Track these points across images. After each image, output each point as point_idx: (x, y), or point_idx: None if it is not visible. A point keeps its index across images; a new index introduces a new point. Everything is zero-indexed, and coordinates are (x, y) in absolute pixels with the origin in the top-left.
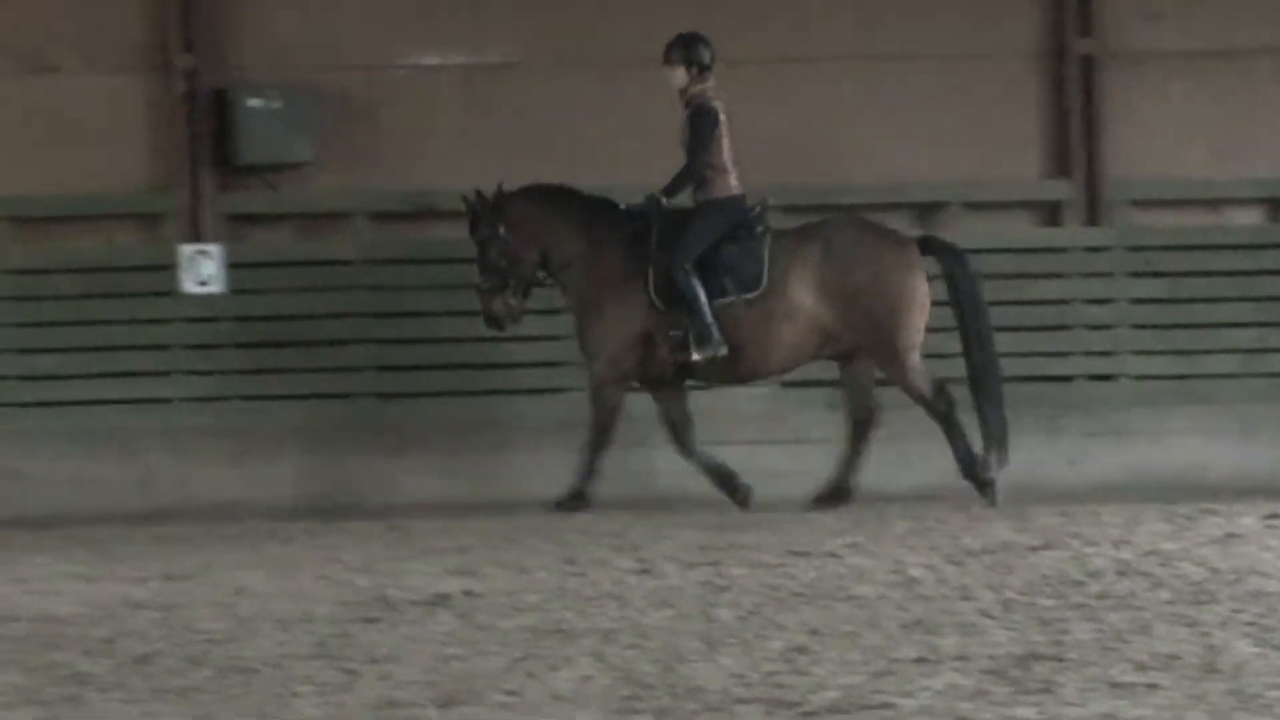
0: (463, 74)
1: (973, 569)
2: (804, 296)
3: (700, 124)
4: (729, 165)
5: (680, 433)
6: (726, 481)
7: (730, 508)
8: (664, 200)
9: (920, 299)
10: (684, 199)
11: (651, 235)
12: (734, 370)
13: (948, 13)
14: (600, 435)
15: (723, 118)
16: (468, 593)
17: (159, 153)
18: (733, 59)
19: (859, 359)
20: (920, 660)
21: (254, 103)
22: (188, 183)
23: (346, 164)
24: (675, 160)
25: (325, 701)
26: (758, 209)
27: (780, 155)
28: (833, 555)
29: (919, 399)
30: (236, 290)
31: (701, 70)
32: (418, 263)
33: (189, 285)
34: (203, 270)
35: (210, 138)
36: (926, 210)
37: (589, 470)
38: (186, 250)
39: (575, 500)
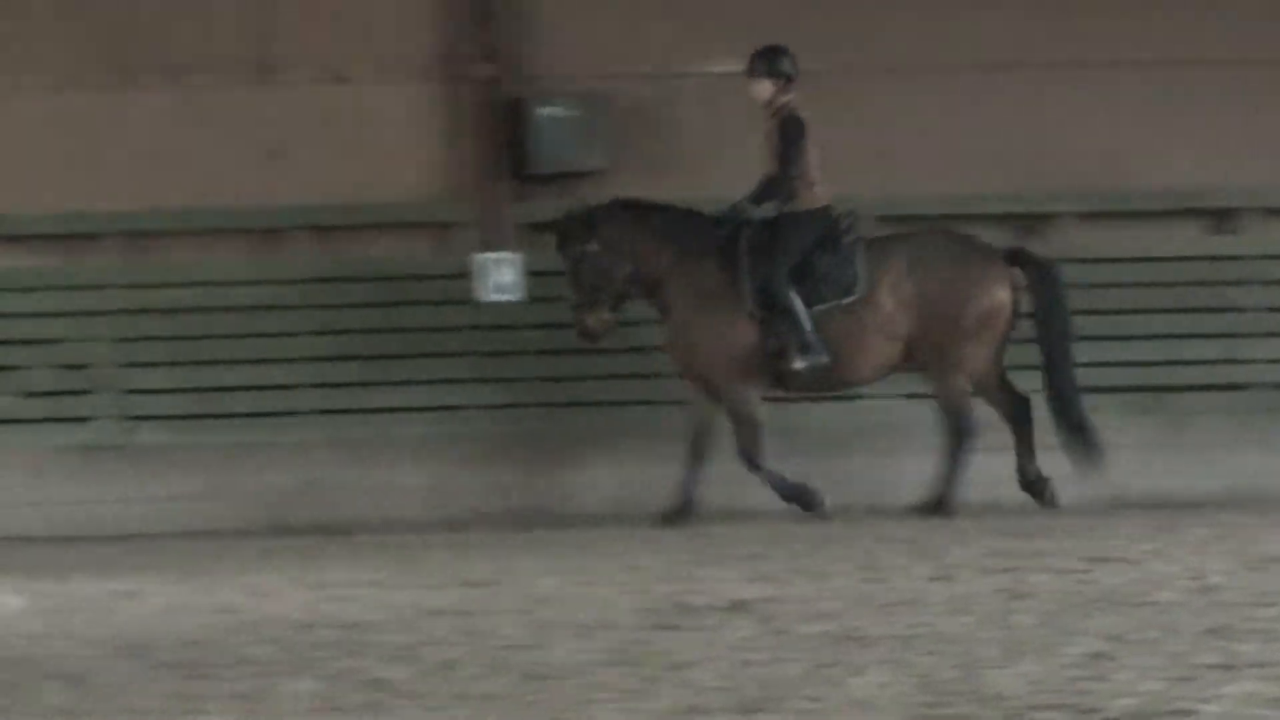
0: None
1: (1274, 575)
2: (892, 306)
3: (789, 134)
4: (816, 176)
5: (705, 443)
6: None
7: (1030, 513)
8: (750, 209)
9: (1003, 314)
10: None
11: (741, 244)
12: (826, 379)
13: (1239, 18)
14: (749, 445)
15: (809, 129)
16: (767, 599)
17: (455, 161)
18: (1039, 63)
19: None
20: (1221, 666)
21: (549, 111)
22: (483, 191)
23: (640, 172)
24: (973, 169)
25: (624, 708)
26: (848, 219)
27: (1075, 161)
28: (1131, 561)
29: (947, 416)
30: (534, 298)
31: (787, 81)
32: None
33: (486, 293)
34: (502, 278)
35: (506, 146)
36: (1220, 216)
37: (777, 480)
38: (484, 258)
39: (801, 500)
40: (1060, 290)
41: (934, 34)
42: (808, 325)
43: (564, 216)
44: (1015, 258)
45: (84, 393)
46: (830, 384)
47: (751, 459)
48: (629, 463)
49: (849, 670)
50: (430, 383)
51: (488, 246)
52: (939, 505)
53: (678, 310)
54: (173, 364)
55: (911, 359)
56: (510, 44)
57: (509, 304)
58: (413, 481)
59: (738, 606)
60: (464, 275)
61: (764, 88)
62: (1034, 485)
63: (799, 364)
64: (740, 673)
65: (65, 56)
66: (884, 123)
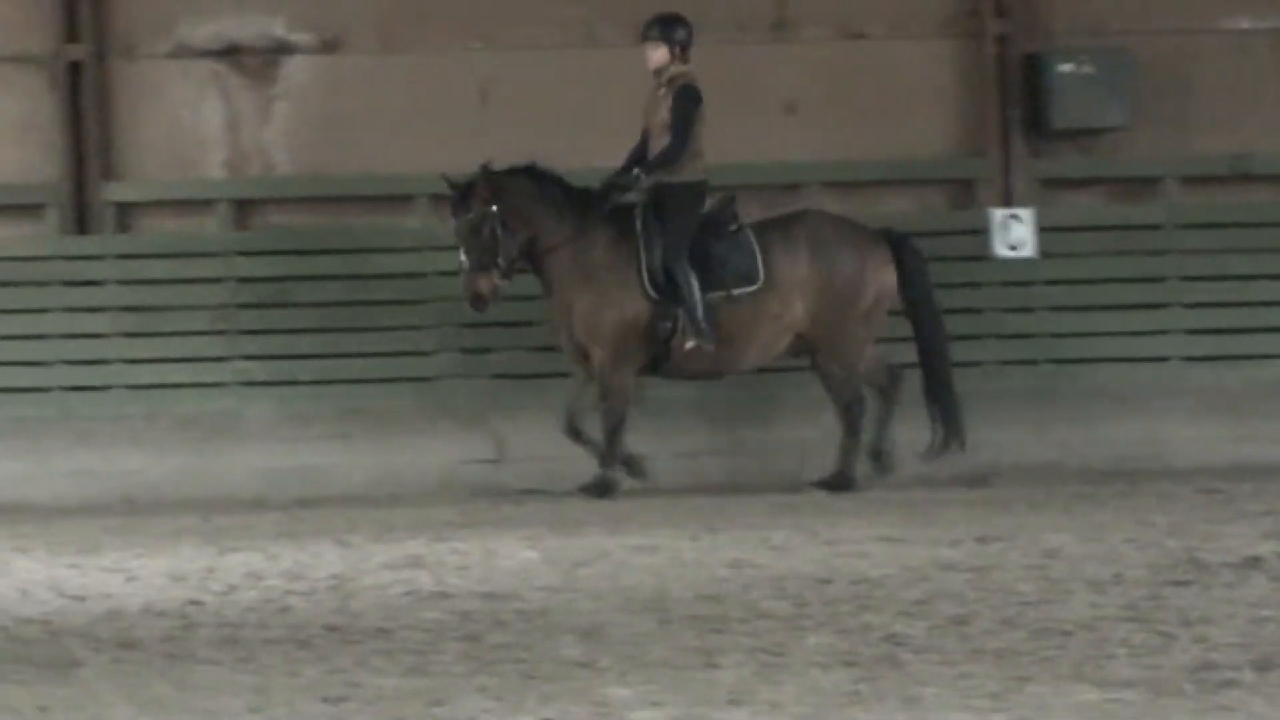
0: (1276, 38)
1: None
2: (793, 293)
3: (686, 104)
4: (702, 149)
5: (575, 417)
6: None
7: None
8: (642, 179)
9: (891, 295)
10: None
11: (636, 223)
12: (711, 363)
13: None
14: (614, 422)
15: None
16: None
17: (970, 118)
18: None
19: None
20: None
21: (1066, 67)
22: (999, 147)
23: (1158, 128)
24: None
25: (1140, 664)
26: (730, 206)
27: None
28: None
29: (843, 395)
30: (1047, 254)
31: (682, 50)
32: (1232, 226)
33: (1000, 249)
34: (1014, 235)
35: (1022, 102)
36: None
37: (610, 455)
38: (998, 215)
39: (601, 486)
40: (925, 267)
41: None
42: (701, 309)
43: (461, 179)
44: (888, 239)
45: None
46: (714, 370)
47: (614, 440)
48: (1140, 419)
49: None
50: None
51: (1004, 203)
52: (839, 481)
53: (569, 284)
54: None
55: (802, 342)
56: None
57: (1022, 260)
58: (930, 437)
59: (1252, 563)
60: (980, 231)
61: (660, 55)
62: (881, 456)
63: (690, 345)
64: (1256, 630)
65: (578, 15)
66: None
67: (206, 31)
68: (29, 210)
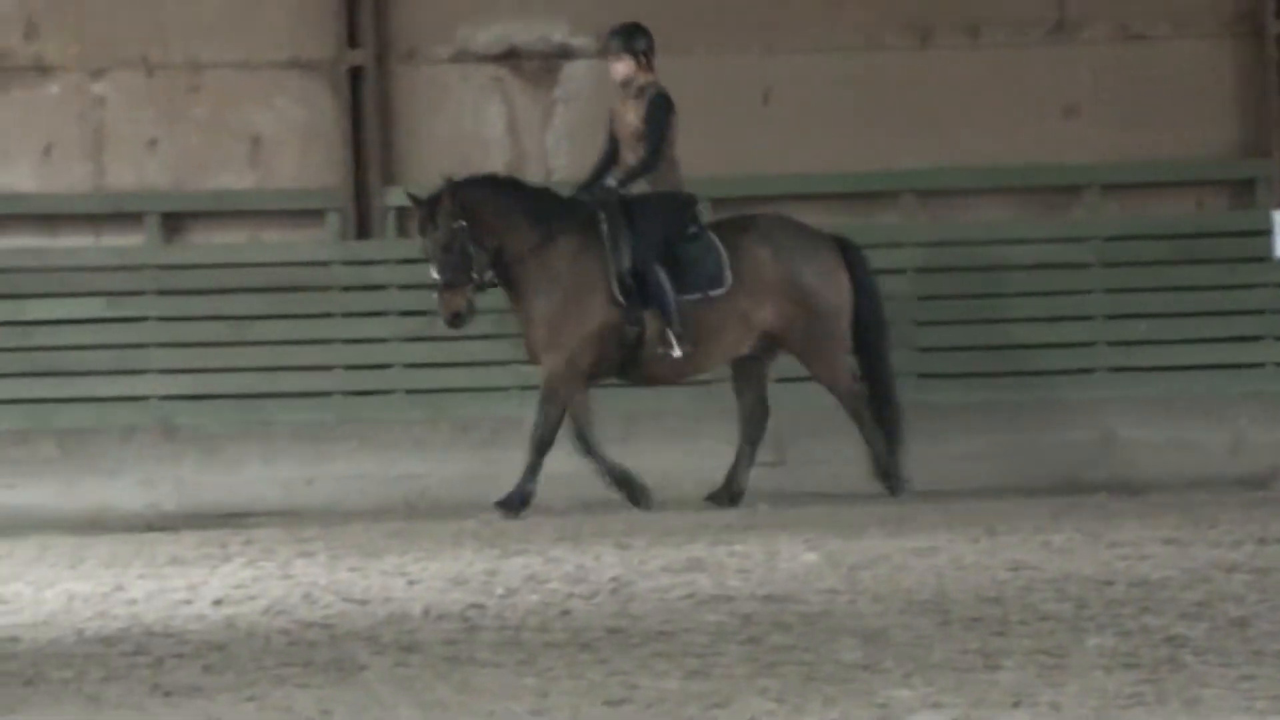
0: None
1: None
2: (759, 295)
3: (658, 114)
4: (678, 157)
5: (584, 431)
6: (624, 484)
7: None
8: (619, 190)
9: (849, 299)
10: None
11: (602, 228)
12: (675, 368)
13: None
14: (548, 434)
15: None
16: None
17: (1251, 118)
18: None
19: (764, 355)
20: None
21: None
22: None
23: None
24: None
25: None
26: (691, 208)
27: None
28: None
29: (849, 398)
30: None
31: (647, 58)
32: None
33: None
34: None
35: None
36: None
37: (532, 471)
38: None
39: (518, 502)
40: (872, 277)
41: None
42: (676, 313)
43: (427, 196)
44: (838, 244)
45: None
46: (680, 374)
47: (539, 450)
48: None
49: None
50: (1225, 340)
51: None
52: (889, 483)
53: (536, 292)
54: (965, 322)
55: (771, 343)
56: None
57: None
58: (1207, 438)
59: None
60: (1262, 232)
61: (625, 66)
62: (736, 496)
63: (676, 352)
64: None
65: (861, 18)
66: None
67: (487, 35)
68: (310, 215)
